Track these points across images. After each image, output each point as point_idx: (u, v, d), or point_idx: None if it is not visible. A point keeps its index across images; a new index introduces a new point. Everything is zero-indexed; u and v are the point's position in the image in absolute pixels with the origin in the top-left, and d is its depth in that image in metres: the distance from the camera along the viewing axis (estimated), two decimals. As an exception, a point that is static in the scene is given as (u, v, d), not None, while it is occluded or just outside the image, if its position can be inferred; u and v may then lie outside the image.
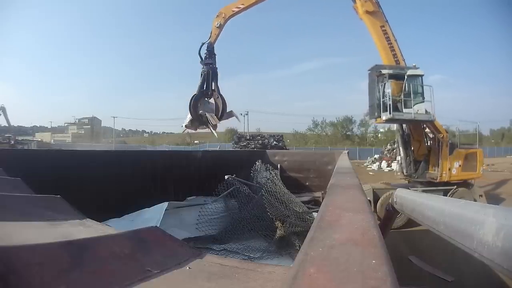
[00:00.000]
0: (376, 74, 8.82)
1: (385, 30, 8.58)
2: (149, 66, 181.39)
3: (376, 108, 8.77)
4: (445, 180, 8.59)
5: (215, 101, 5.97)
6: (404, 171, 9.29)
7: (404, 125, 9.36)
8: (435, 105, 8.59)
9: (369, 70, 9.18)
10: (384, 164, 24.33)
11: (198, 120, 6.00)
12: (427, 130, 9.39)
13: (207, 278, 0.80)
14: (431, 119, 8.51)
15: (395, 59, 8.66)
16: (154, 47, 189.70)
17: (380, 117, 8.61)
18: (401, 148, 9.37)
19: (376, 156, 28.85)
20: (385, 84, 8.56)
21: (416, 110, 8.42)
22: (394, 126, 10.68)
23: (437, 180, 8.60)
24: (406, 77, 8.40)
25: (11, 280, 0.59)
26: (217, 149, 20.67)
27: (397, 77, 8.52)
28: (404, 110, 8.39)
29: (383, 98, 8.53)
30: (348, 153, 5.40)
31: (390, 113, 8.29)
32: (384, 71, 8.62)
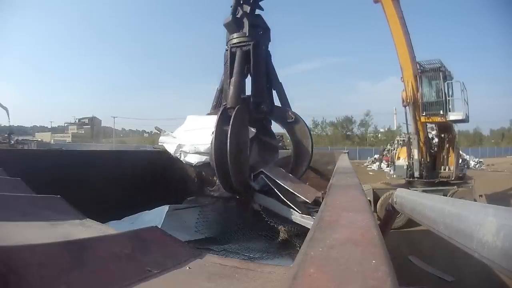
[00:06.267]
0: (434, 68, 8.80)
1: (404, 22, 8.44)
2: (149, 66, 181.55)
3: (442, 105, 8.65)
4: (454, 178, 8.80)
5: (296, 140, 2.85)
6: (416, 173, 9.03)
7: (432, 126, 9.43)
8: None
9: (427, 64, 8.99)
10: (384, 164, 24.32)
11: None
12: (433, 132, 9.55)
13: (207, 278, 0.80)
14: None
15: (411, 55, 8.59)
16: (154, 47, 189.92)
17: (446, 115, 8.59)
18: (415, 150, 9.09)
19: (376, 156, 28.83)
20: (452, 83, 8.78)
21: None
22: (403, 127, 10.76)
23: (452, 179, 8.76)
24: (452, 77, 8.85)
25: (11, 280, 0.59)
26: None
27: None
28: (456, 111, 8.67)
29: (448, 96, 8.65)
30: (348, 153, 5.40)
31: (465, 115, 8.44)
32: (443, 69, 8.72)
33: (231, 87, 2.66)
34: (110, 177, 3.60)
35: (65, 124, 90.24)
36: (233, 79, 2.67)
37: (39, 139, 47.33)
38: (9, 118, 23.47)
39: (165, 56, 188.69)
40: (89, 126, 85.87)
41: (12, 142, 22.06)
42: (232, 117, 2.44)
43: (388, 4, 8.34)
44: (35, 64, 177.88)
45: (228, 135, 2.37)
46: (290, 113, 2.91)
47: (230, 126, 2.40)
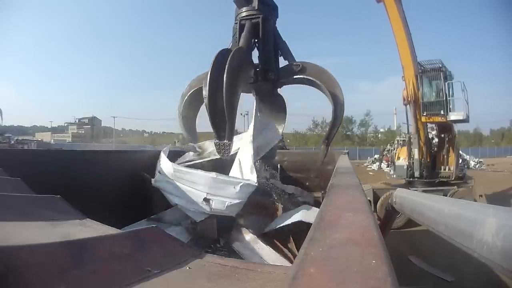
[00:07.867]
0: (435, 69, 8.85)
1: (406, 22, 8.44)
2: (149, 66, 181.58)
3: (443, 105, 8.71)
4: (454, 178, 8.83)
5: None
6: (416, 173, 9.02)
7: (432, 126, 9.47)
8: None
9: (428, 64, 9.07)
10: (384, 164, 24.32)
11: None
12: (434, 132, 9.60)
13: (207, 278, 0.80)
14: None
15: (412, 55, 8.58)
16: (154, 47, 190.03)
17: (446, 115, 8.63)
18: (415, 150, 9.06)
19: (376, 156, 28.83)
20: (452, 83, 8.85)
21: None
22: (403, 127, 10.82)
23: (452, 179, 8.79)
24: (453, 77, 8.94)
25: (11, 280, 0.59)
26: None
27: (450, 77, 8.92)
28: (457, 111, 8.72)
29: (449, 96, 8.71)
30: (348, 153, 5.39)
31: (466, 115, 8.49)
32: (444, 69, 8.79)
33: (241, 39, 2.73)
34: (110, 178, 3.58)
35: (65, 124, 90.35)
36: (243, 33, 2.74)
37: (39, 139, 47.38)
38: (2, 119, 23.63)
39: (165, 56, 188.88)
40: (89, 126, 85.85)
41: (12, 142, 22.10)
42: (238, 47, 2.45)
43: (390, 4, 8.35)
44: (35, 64, 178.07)
45: (229, 56, 2.15)
46: (295, 64, 2.91)
47: (233, 49, 2.32)
